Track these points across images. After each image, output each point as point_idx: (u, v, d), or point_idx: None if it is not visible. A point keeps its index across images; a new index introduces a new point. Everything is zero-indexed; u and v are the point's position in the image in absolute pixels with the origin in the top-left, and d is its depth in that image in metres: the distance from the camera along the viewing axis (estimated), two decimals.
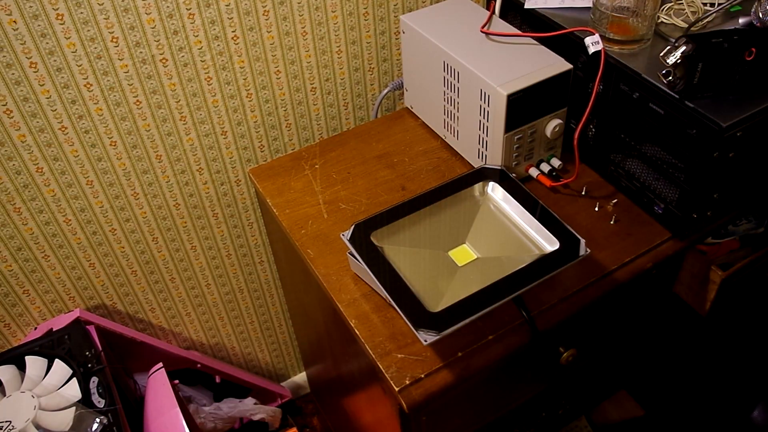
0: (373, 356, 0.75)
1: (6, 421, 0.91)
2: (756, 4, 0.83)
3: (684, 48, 0.74)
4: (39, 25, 0.84)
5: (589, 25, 0.89)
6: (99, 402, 0.95)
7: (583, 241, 0.76)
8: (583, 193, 0.93)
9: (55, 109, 0.92)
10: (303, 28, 1.03)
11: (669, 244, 0.87)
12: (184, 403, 1.17)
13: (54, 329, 1.05)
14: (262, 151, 1.14)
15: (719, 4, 0.88)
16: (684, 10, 0.90)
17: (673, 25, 0.89)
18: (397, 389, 0.72)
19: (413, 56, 1.01)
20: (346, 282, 0.84)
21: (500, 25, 0.96)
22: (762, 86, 0.78)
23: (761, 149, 0.83)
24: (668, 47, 0.76)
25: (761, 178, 0.89)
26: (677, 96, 0.77)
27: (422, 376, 0.73)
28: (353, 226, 0.81)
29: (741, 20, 0.86)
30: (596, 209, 0.91)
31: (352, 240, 0.79)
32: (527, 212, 0.82)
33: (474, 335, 0.76)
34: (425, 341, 0.68)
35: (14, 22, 0.82)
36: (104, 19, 0.87)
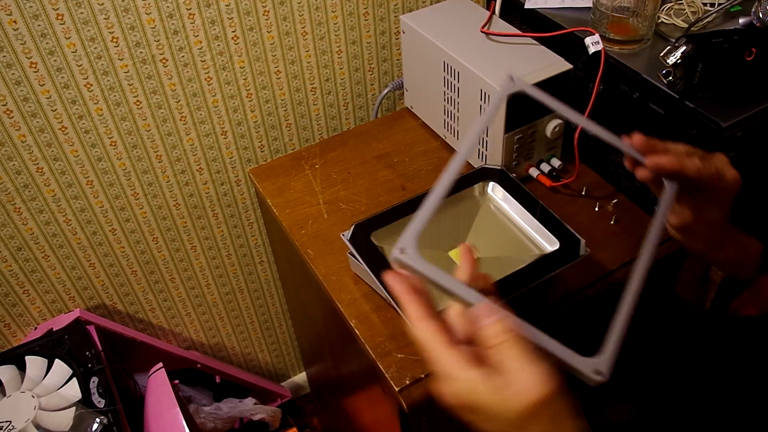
0: (373, 356, 0.75)
1: (6, 421, 0.91)
2: (756, 4, 0.83)
3: (684, 48, 0.74)
4: (39, 25, 0.84)
5: (589, 25, 0.89)
6: (99, 402, 0.95)
7: (583, 241, 0.76)
8: (583, 193, 0.93)
9: (55, 109, 0.92)
10: (303, 28, 1.03)
11: (669, 244, 0.87)
12: (184, 403, 1.17)
13: (54, 329, 1.05)
14: (262, 151, 1.14)
15: (719, 4, 0.88)
16: (684, 10, 0.90)
17: (673, 25, 0.89)
18: (397, 389, 0.72)
19: (413, 56, 1.01)
20: (346, 282, 0.84)
21: (500, 25, 0.96)
22: (762, 86, 0.78)
23: (761, 149, 0.83)
24: (668, 47, 0.76)
25: (761, 178, 0.89)
26: (677, 96, 0.77)
27: (422, 376, 0.73)
28: (353, 226, 0.81)
29: (741, 20, 0.86)
30: (596, 209, 0.91)
31: (352, 240, 0.79)
32: (527, 212, 0.82)
33: None
34: None
35: (14, 22, 0.82)
36: (104, 19, 0.87)
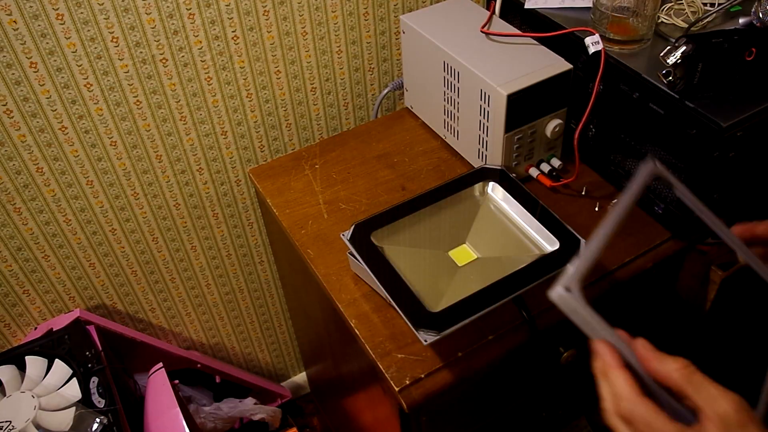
0: (373, 356, 0.75)
1: (6, 421, 0.91)
2: (756, 4, 0.83)
3: (684, 48, 0.74)
4: (39, 25, 0.84)
5: (589, 25, 0.89)
6: (99, 402, 0.95)
7: (583, 241, 0.76)
8: (583, 193, 0.93)
9: (55, 109, 0.92)
10: (303, 28, 1.03)
11: (669, 244, 0.87)
12: (184, 403, 1.17)
13: (54, 329, 1.05)
14: (262, 151, 1.14)
15: (719, 4, 0.88)
16: (684, 10, 0.90)
17: (673, 25, 0.89)
18: (397, 389, 0.72)
19: (413, 56, 1.01)
20: (346, 282, 0.84)
21: (500, 25, 0.96)
22: (762, 86, 0.78)
23: (761, 149, 0.83)
24: (668, 47, 0.76)
25: (762, 178, 0.89)
26: (677, 96, 0.77)
27: (422, 376, 0.73)
28: (353, 226, 0.81)
29: (741, 20, 0.86)
30: (596, 209, 0.91)
31: (352, 240, 0.79)
32: (527, 212, 0.82)
33: (474, 335, 0.76)
34: (425, 341, 0.68)
35: (14, 22, 0.82)
36: (104, 19, 0.88)
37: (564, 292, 0.44)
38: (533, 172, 0.93)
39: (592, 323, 0.45)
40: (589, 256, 0.47)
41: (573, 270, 0.45)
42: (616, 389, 0.45)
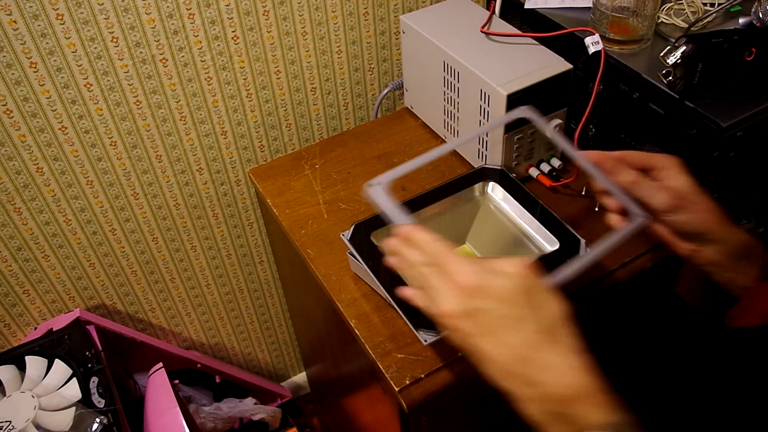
0: (373, 356, 0.75)
1: (6, 421, 0.91)
2: (756, 4, 0.83)
3: (684, 48, 0.74)
4: (39, 25, 0.84)
5: (589, 25, 0.89)
6: (99, 402, 0.95)
7: (583, 241, 0.76)
8: (583, 193, 0.93)
9: (55, 109, 0.92)
10: (303, 28, 1.03)
11: None
12: (184, 403, 1.17)
13: (54, 329, 1.05)
14: (262, 151, 1.14)
15: (719, 4, 0.88)
16: (684, 10, 0.90)
17: (673, 25, 0.89)
18: (397, 389, 0.72)
19: (413, 56, 1.01)
20: (346, 282, 0.84)
21: (500, 25, 0.96)
22: (762, 86, 0.78)
23: (761, 149, 0.83)
24: (668, 47, 0.76)
25: (762, 178, 0.89)
26: (677, 96, 0.77)
27: (422, 376, 0.73)
28: (353, 226, 0.81)
29: (741, 20, 0.86)
30: (596, 209, 0.91)
31: (352, 240, 0.79)
32: (527, 212, 0.82)
33: None
34: (425, 341, 0.68)
35: (14, 22, 0.82)
36: (104, 19, 0.88)
37: (373, 185, 0.60)
38: (533, 172, 0.93)
39: (392, 208, 0.60)
40: (399, 171, 0.66)
41: (391, 172, 0.64)
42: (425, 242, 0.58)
